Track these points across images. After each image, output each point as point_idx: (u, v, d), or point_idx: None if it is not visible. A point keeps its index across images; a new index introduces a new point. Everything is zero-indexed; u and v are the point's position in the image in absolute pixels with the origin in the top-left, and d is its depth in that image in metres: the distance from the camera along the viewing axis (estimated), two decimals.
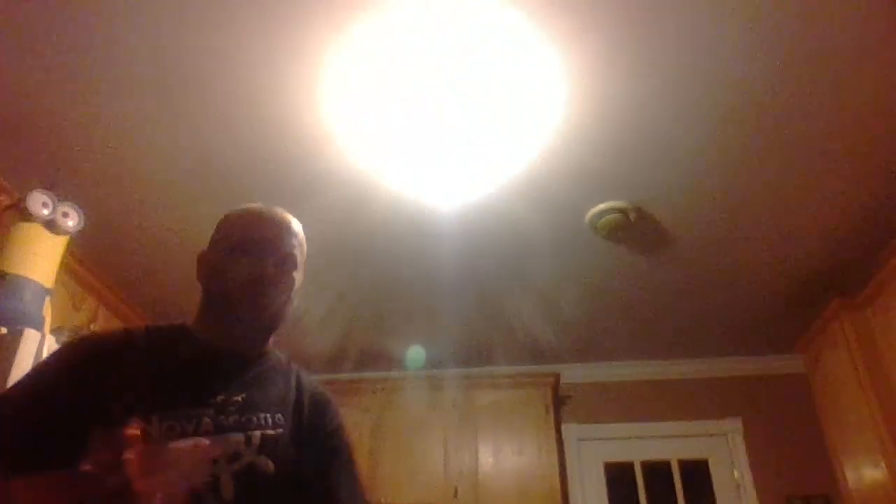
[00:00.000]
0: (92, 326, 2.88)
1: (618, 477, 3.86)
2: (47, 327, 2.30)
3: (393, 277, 3.20)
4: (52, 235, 2.38)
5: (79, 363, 1.12)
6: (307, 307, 3.33)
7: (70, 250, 2.53)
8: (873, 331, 2.97)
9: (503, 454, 3.66)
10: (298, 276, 1.26)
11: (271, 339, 1.28)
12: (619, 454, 3.91)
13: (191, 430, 1.07)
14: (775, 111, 2.27)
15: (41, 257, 2.33)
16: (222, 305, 1.20)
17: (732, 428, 3.85)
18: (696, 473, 3.82)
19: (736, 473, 3.75)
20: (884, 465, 2.81)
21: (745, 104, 2.24)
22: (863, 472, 3.04)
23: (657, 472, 3.85)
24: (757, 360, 3.96)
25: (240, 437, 1.10)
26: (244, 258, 1.19)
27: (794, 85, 2.17)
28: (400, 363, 3.97)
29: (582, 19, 1.93)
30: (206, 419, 1.09)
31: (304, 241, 1.30)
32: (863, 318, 3.03)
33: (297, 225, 1.30)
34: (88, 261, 2.95)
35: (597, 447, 3.92)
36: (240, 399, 1.15)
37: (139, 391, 1.08)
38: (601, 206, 2.72)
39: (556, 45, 2.02)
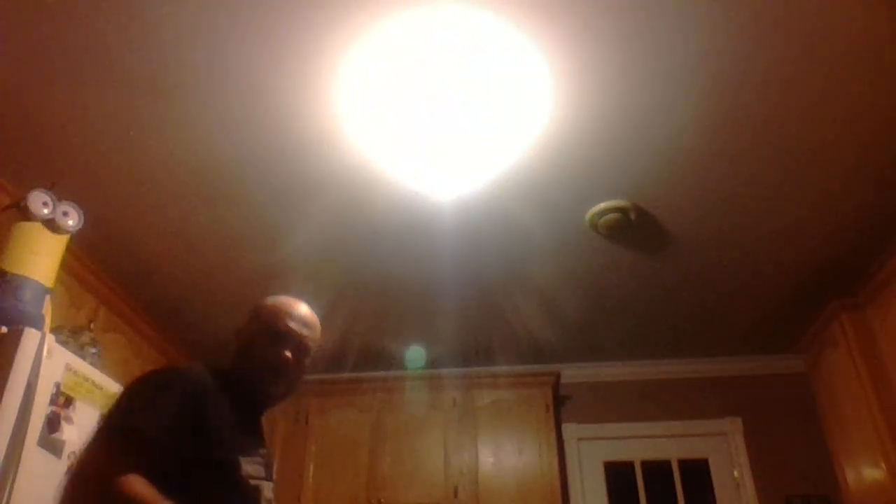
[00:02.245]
0: (92, 326, 2.87)
1: (618, 477, 3.86)
2: (47, 327, 2.31)
3: (393, 277, 3.19)
4: (52, 235, 2.38)
5: (189, 394, 1.24)
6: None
7: (70, 250, 2.53)
8: (873, 331, 2.96)
9: (503, 454, 3.65)
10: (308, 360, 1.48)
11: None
12: (619, 454, 3.91)
13: (260, 475, 1.29)
14: (775, 111, 2.27)
15: (41, 256, 2.33)
16: (248, 378, 1.40)
17: (732, 428, 3.85)
18: (696, 473, 3.81)
19: (736, 473, 3.75)
20: (884, 465, 2.81)
21: (745, 104, 2.24)
22: (863, 472, 3.04)
23: (657, 472, 3.84)
24: (757, 360, 3.95)
25: (271, 485, 1.35)
26: (276, 347, 1.40)
27: (794, 84, 2.17)
28: (400, 363, 3.97)
29: (577, 21, 1.94)
30: (261, 468, 1.30)
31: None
32: (863, 318, 3.02)
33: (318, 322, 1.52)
34: (88, 261, 2.94)
35: (597, 447, 3.91)
36: (266, 452, 1.39)
37: (228, 430, 1.27)
38: (601, 206, 2.72)
39: (549, 45, 2.02)
